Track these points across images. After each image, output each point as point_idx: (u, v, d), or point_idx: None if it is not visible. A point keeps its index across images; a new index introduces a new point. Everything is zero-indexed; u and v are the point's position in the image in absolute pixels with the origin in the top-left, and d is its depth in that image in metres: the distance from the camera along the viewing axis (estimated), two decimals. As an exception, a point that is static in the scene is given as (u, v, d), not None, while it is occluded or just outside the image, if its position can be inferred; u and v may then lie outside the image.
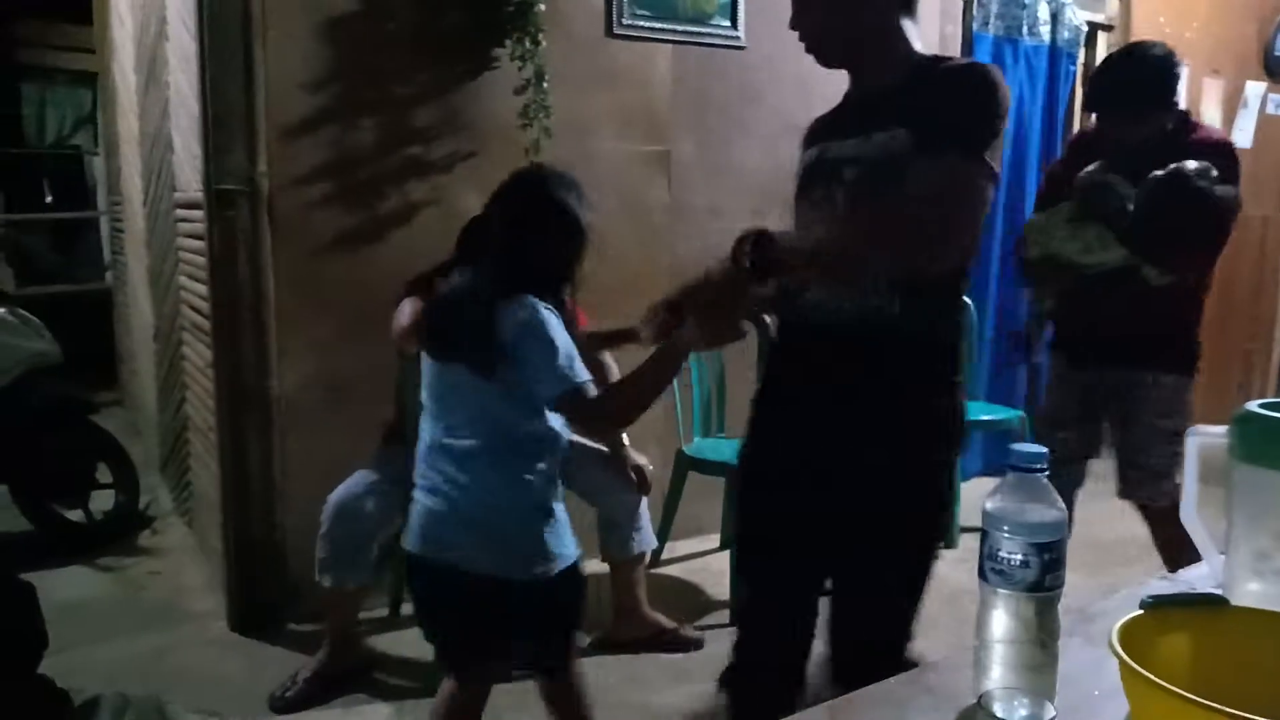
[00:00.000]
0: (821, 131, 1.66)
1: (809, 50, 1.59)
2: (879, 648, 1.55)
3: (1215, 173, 2.44)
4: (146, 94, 3.87)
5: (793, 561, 1.65)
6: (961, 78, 1.47)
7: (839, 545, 1.57)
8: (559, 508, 1.84)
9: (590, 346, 1.98)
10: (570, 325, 1.80)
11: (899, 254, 1.42)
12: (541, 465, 1.80)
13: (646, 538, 2.85)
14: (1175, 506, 2.50)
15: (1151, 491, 2.64)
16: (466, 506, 1.77)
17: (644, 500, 2.83)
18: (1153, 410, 2.61)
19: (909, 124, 1.44)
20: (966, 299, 1.65)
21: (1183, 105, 2.66)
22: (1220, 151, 2.53)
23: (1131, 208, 2.50)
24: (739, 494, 1.78)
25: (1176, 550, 2.41)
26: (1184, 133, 2.59)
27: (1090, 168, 2.62)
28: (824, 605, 1.69)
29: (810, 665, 1.72)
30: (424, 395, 1.85)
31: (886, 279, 1.48)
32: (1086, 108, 2.79)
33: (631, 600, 2.88)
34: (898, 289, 1.48)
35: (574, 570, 1.85)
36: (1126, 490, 2.70)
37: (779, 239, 1.43)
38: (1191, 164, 2.44)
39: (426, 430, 1.84)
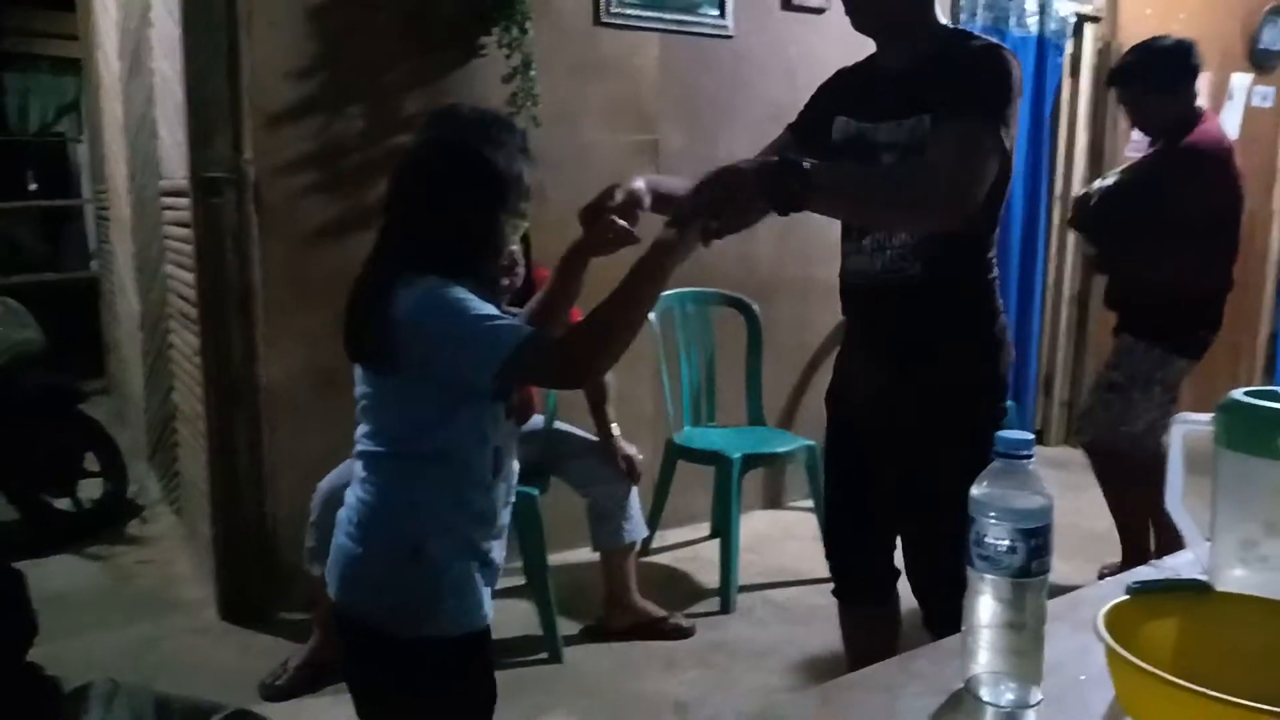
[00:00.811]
0: (850, 100, 1.75)
1: (848, 12, 1.67)
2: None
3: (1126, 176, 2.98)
4: (131, 81, 3.84)
5: (876, 457, 1.81)
6: (978, 57, 1.58)
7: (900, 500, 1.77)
8: (447, 557, 1.40)
9: (551, 304, 1.61)
10: (498, 296, 1.46)
11: (903, 212, 1.53)
12: (430, 496, 1.40)
13: (637, 527, 2.86)
14: (1092, 445, 3.09)
15: (1079, 425, 3.16)
16: (343, 525, 1.46)
17: (634, 489, 2.84)
18: (1109, 360, 3.09)
19: (934, 108, 1.55)
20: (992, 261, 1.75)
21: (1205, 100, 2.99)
22: (1186, 158, 2.88)
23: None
24: (830, 419, 1.94)
25: (1110, 489, 3.13)
26: (1183, 131, 2.91)
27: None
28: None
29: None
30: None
31: (906, 240, 1.64)
32: (1109, 84, 3.24)
33: (622, 589, 2.89)
34: (920, 253, 1.64)
35: (449, 648, 1.41)
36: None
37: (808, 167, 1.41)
38: (1109, 179, 3.05)
39: (356, 437, 1.52)
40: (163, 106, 3.24)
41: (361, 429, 1.48)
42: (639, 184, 1.60)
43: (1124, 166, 3.12)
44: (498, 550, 1.47)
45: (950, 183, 1.48)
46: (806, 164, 1.38)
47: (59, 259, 6.73)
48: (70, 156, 7.12)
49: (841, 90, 1.80)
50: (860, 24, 1.68)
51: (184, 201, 2.91)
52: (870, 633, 1.90)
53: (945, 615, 1.06)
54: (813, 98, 1.87)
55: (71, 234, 6.95)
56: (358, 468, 1.47)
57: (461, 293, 1.34)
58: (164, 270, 3.45)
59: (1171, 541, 3.06)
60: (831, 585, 1.99)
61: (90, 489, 3.66)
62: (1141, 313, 3.04)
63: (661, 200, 1.61)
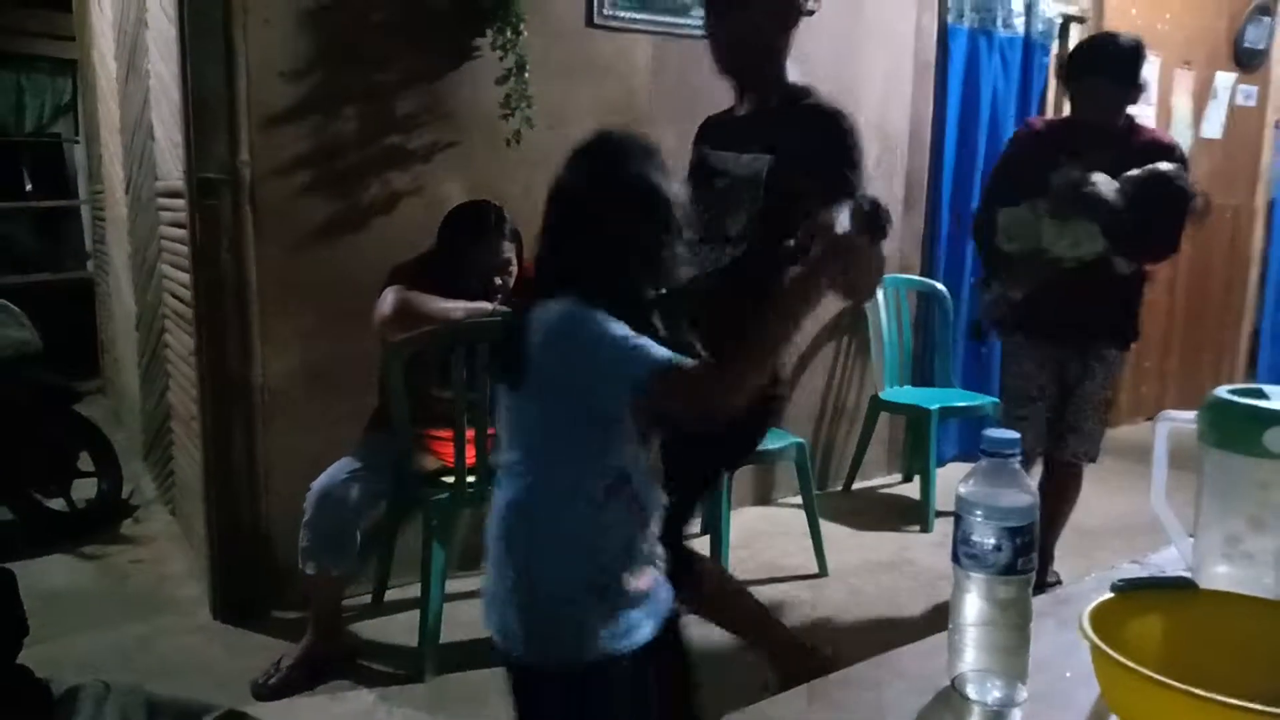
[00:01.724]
0: (709, 138, 2.09)
1: (714, 58, 2.00)
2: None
3: (1187, 175, 2.73)
4: (127, 82, 3.84)
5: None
6: (820, 121, 1.87)
7: None
8: (616, 582, 1.35)
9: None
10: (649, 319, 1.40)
11: None
12: (592, 515, 1.35)
13: None
14: (1081, 466, 2.98)
15: (1086, 449, 2.98)
16: (494, 562, 1.40)
17: None
18: (1097, 380, 2.94)
19: (775, 149, 1.82)
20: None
21: (1154, 98, 2.90)
22: (1173, 153, 2.80)
23: (1116, 204, 2.71)
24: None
25: (1058, 507, 3.01)
26: (1131, 132, 2.87)
27: (1061, 173, 2.82)
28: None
29: None
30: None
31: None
32: (1063, 78, 3.10)
33: None
34: None
35: (621, 666, 1.36)
36: (1061, 449, 2.99)
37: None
38: (1165, 165, 2.70)
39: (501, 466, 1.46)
40: (159, 107, 3.24)
41: (500, 450, 1.44)
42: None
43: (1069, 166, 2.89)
44: (621, 576, 1.37)
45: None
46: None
47: (55, 260, 6.71)
48: (66, 157, 7.11)
49: (708, 134, 2.13)
50: (718, 67, 2.01)
51: (180, 202, 2.91)
52: None
53: None
54: (693, 145, 2.16)
55: (67, 235, 6.94)
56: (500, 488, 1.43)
57: (595, 314, 1.32)
58: (160, 271, 3.45)
59: None
60: (829, 588, 2.00)
61: (85, 489, 3.65)
62: (1124, 321, 2.97)
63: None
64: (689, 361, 1.30)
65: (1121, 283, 2.86)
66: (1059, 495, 3.02)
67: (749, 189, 1.82)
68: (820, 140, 1.77)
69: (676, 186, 1.43)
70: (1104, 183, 2.73)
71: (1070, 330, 2.93)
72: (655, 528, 1.42)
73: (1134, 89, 2.84)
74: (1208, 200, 2.80)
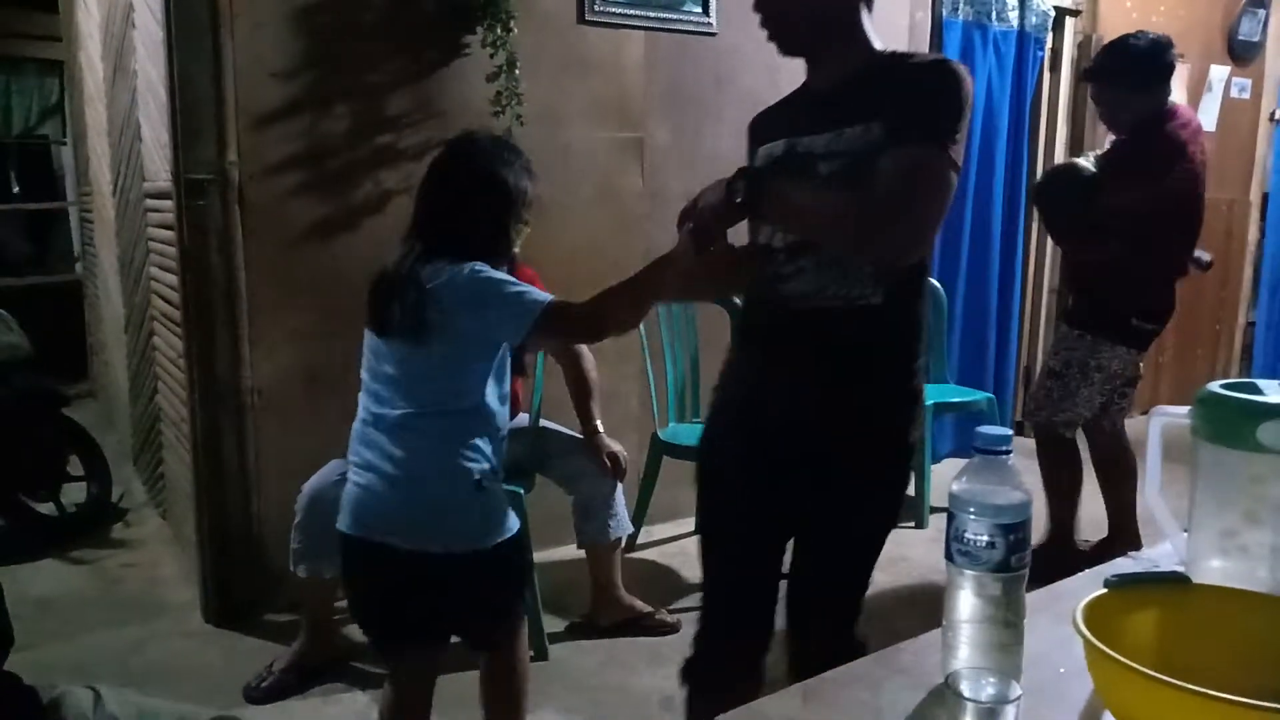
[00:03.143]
0: (780, 124, 1.65)
1: (770, 37, 1.61)
2: (830, 625, 1.65)
3: (1091, 169, 3.04)
4: (114, 82, 3.82)
5: (758, 534, 1.67)
6: (929, 72, 1.50)
7: (801, 521, 1.61)
8: (495, 483, 1.81)
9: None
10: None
11: (871, 246, 1.43)
12: (476, 440, 1.77)
13: (622, 523, 2.86)
14: (1035, 429, 3.18)
15: (1028, 407, 3.28)
16: (397, 480, 1.74)
17: (619, 486, 2.84)
18: (1051, 346, 3.30)
19: (881, 118, 1.45)
20: (935, 282, 1.70)
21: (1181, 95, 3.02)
22: (1129, 148, 3.01)
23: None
24: (701, 477, 1.75)
25: (1044, 469, 3.15)
26: (1162, 123, 2.95)
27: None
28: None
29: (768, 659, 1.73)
30: (363, 372, 1.84)
31: (866, 268, 1.49)
32: (1085, 79, 3.32)
33: (608, 585, 2.89)
34: (879, 279, 1.49)
35: (513, 544, 1.83)
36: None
37: (771, 183, 1.48)
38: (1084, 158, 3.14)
39: (362, 407, 1.83)
40: (146, 108, 3.22)
41: (385, 401, 1.77)
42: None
43: (1095, 155, 3.20)
44: (497, 474, 1.84)
45: (919, 224, 1.42)
46: (760, 172, 1.43)
47: (43, 262, 6.68)
48: (54, 159, 7.07)
49: (767, 123, 1.71)
50: (785, 48, 1.61)
51: (168, 204, 2.90)
52: (738, 685, 1.65)
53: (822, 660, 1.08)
54: (748, 139, 1.76)
55: (56, 237, 6.91)
56: (382, 434, 1.77)
57: (494, 270, 1.73)
58: (148, 273, 3.43)
59: (1123, 523, 3.20)
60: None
61: (74, 493, 3.64)
62: (1079, 301, 3.21)
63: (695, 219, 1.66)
64: (565, 301, 1.72)
65: (1088, 266, 3.16)
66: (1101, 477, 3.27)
67: (865, 163, 1.45)
68: (931, 93, 1.45)
69: (523, 178, 1.85)
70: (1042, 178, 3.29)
71: (1073, 315, 3.23)
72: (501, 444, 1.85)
73: (1145, 92, 2.95)
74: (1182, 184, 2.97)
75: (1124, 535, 3.13)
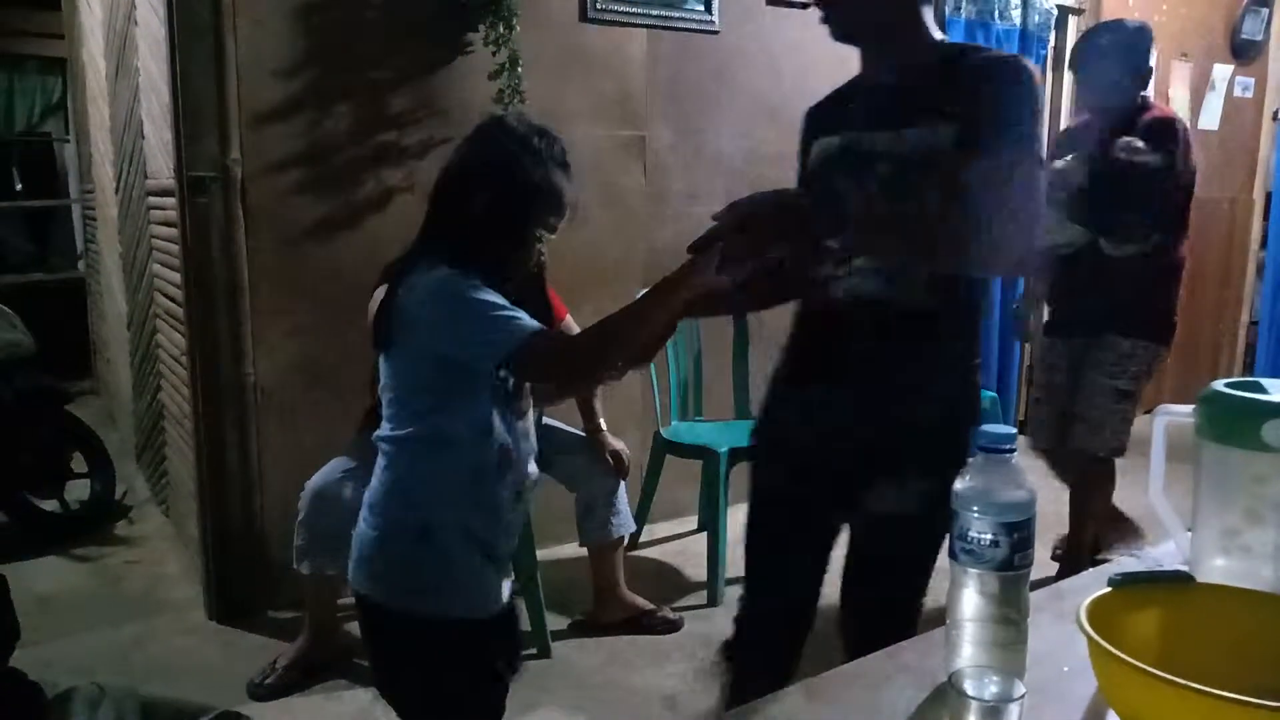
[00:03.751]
0: (837, 117, 1.58)
1: (825, 20, 1.51)
2: (892, 609, 1.60)
3: (1139, 144, 2.69)
4: (116, 80, 3.82)
5: (809, 520, 1.66)
6: (1005, 71, 1.41)
7: (855, 510, 1.59)
8: (452, 538, 1.45)
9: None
10: (544, 316, 1.48)
11: (993, 266, 1.40)
12: (448, 478, 1.44)
13: (624, 521, 2.86)
14: (1105, 460, 2.89)
15: (1097, 442, 2.91)
16: (368, 512, 1.49)
17: (622, 484, 2.84)
18: (1103, 369, 2.88)
19: (953, 119, 1.39)
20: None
21: (1151, 89, 2.87)
22: (1158, 127, 2.75)
23: (1073, 186, 2.76)
24: (757, 459, 1.75)
25: (1080, 498, 3.02)
26: (1140, 113, 2.82)
27: (1059, 161, 2.84)
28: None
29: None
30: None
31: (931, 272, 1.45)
32: (1071, 67, 3.01)
33: (610, 583, 2.89)
34: (938, 282, 1.46)
35: (470, 629, 1.48)
36: (1069, 439, 2.97)
37: (856, 209, 1.32)
38: (1123, 140, 2.70)
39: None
40: (149, 106, 3.22)
41: (385, 417, 1.52)
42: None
43: (1074, 155, 2.87)
44: (505, 544, 1.52)
45: (1031, 237, 1.35)
46: (841, 196, 1.27)
47: (46, 260, 6.69)
48: (57, 156, 7.07)
49: (822, 116, 1.65)
50: (841, 31, 1.52)
51: (170, 201, 2.90)
52: (771, 674, 1.64)
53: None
54: (803, 131, 1.67)
55: (58, 235, 6.91)
56: (380, 454, 1.51)
57: (472, 283, 1.39)
58: (151, 270, 3.44)
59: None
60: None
61: (78, 490, 3.64)
62: (1136, 308, 2.89)
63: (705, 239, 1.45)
64: (554, 332, 1.41)
65: (1119, 267, 2.79)
66: (1079, 489, 3.04)
67: (927, 167, 1.40)
68: (1006, 93, 1.37)
69: (553, 175, 1.49)
70: (1070, 170, 2.77)
71: (1075, 320, 2.93)
72: (523, 494, 1.53)
73: (1136, 75, 2.82)
74: (1175, 168, 2.74)
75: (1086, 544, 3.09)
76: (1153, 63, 2.90)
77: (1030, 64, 1.42)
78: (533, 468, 1.56)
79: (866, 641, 1.09)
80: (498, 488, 1.47)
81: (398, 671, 1.52)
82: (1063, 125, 4.84)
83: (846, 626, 1.68)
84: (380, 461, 1.50)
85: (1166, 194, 2.76)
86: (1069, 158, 2.84)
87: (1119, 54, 2.81)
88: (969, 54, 1.48)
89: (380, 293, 2.47)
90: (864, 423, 1.50)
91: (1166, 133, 2.74)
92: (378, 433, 1.51)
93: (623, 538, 2.89)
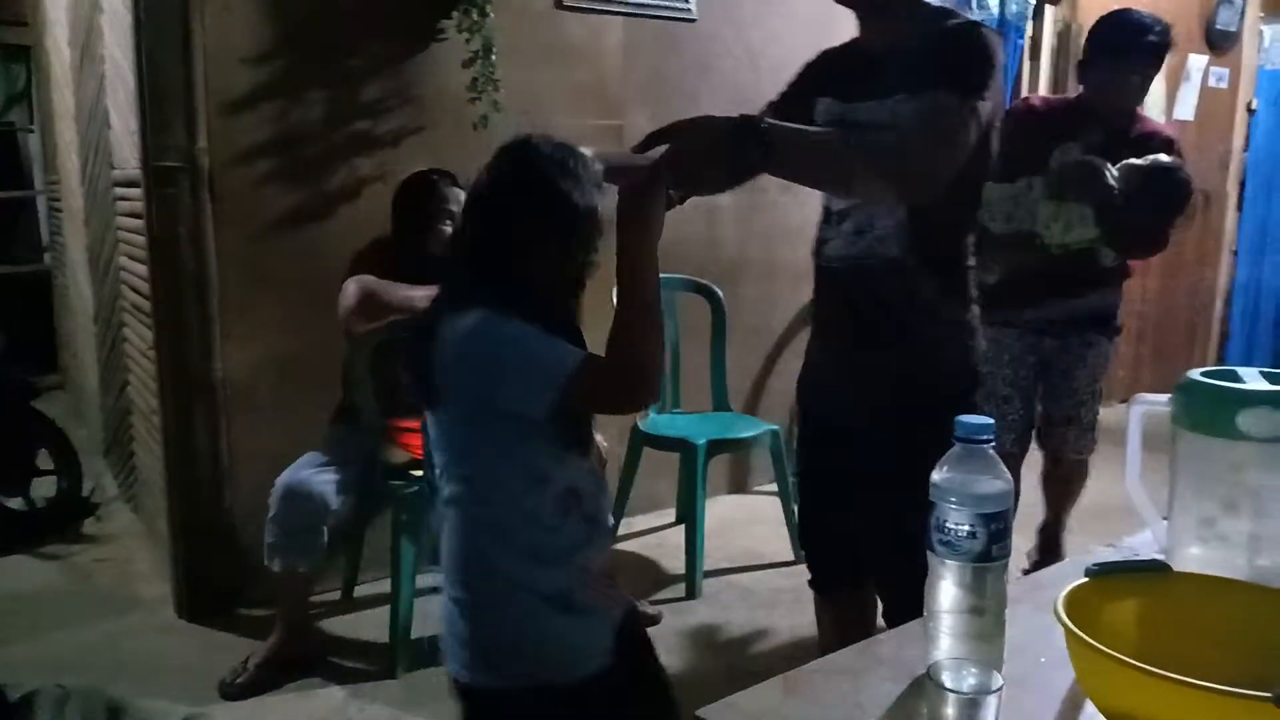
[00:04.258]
0: (833, 81, 1.69)
1: None
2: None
3: (1176, 160, 2.64)
4: (82, 68, 3.75)
5: (833, 478, 1.82)
6: (958, 35, 1.55)
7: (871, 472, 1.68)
8: (555, 591, 1.34)
9: None
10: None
11: (875, 187, 1.47)
12: (533, 532, 1.33)
13: None
14: (1084, 460, 2.91)
15: (1082, 444, 2.94)
16: (447, 579, 1.38)
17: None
18: (1087, 372, 2.87)
19: (911, 85, 1.50)
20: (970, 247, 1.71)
21: None
22: (1171, 146, 2.70)
23: (1116, 193, 2.59)
24: (801, 408, 1.95)
25: (1065, 499, 3.03)
26: (1131, 120, 2.77)
27: (1064, 152, 2.69)
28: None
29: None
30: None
31: (904, 232, 1.59)
32: (1088, 59, 2.80)
33: None
34: (902, 236, 1.59)
35: (603, 680, 1.35)
36: (1055, 444, 2.96)
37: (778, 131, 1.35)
38: (1166, 158, 2.61)
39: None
40: (114, 94, 3.17)
41: (436, 471, 1.42)
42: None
43: (1072, 148, 2.75)
44: (580, 589, 1.36)
45: (921, 152, 1.42)
46: (766, 123, 1.32)
47: (11, 252, 6.57)
48: (21, 147, 6.94)
49: (824, 72, 1.75)
50: None
51: (137, 192, 2.85)
52: (845, 622, 1.88)
53: (907, 607, 1.05)
54: (797, 77, 1.80)
55: (23, 226, 6.78)
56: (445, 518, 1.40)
57: (505, 321, 1.29)
58: (117, 262, 3.38)
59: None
60: (806, 575, 1.97)
61: (44, 487, 3.58)
62: (1111, 311, 2.90)
63: (612, 173, 1.52)
64: (601, 358, 1.29)
65: (1106, 273, 2.80)
66: (1066, 489, 3.02)
67: None
68: (957, 51, 1.51)
69: (593, 195, 1.37)
70: (1106, 168, 2.63)
71: (1055, 320, 2.85)
72: (607, 540, 1.44)
73: (1153, 71, 2.78)
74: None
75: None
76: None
77: (987, 30, 1.56)
78: (604, 502, 1.43)
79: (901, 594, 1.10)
80: (560, 535, 1.35)
81: None
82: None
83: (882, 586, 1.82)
84: (445, 527, 1.38)
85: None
86: (1074, 146, 2.71)
87: (1145, 46, 2.71)
88: (940, 22, 1.59)
89: (352, 285, 2.48)
90: (862, 377, 1.69)
91: (1175, 150, 2.69)
92: (444, 496, 1.39)
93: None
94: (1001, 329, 2.86)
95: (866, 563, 1.83)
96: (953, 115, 1.44)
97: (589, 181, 1.38)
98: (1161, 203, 2.60)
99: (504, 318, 1.29)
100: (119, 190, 3.23)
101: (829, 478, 1.84)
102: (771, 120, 1.35)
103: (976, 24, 1.58)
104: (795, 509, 3.25)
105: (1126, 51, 2.71)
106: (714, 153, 1.30)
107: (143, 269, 2.91)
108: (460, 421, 1.35)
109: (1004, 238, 2.73)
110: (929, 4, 1.63)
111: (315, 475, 2.51)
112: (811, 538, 1.95)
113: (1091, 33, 2.84)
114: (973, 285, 1.71)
